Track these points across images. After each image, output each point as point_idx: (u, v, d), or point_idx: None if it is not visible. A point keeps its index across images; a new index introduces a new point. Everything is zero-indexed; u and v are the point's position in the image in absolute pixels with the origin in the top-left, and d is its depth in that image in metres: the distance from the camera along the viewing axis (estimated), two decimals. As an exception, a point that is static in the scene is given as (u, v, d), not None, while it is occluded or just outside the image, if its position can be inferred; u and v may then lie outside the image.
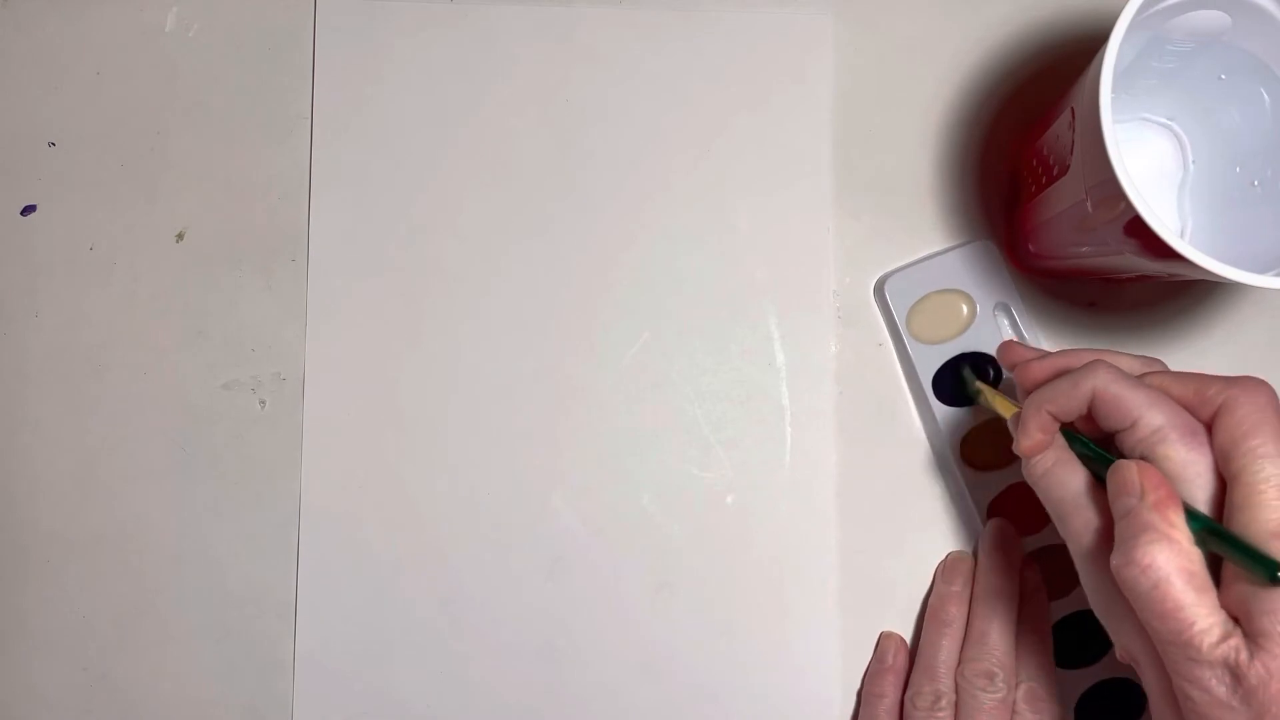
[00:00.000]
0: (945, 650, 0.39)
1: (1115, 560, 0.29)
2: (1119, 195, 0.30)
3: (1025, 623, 0.39)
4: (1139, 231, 0.31)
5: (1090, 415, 0.32)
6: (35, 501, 0.43)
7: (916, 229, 0.43)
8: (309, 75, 0.44)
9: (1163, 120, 0.40)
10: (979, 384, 0.40)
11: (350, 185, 0.43)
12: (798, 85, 0.43)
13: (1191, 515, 0.29)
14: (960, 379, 0.41)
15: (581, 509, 0.42)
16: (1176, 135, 0.40)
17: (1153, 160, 0.40)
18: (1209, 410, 0.30)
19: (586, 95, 0.43)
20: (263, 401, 0.43)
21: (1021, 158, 0.41)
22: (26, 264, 0.44)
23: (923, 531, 0.42)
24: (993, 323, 0.41)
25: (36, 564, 0.43)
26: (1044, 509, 0.41)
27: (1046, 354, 0.35)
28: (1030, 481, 0.33)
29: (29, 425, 0.43)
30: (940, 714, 0.38)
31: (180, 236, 0.44)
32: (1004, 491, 0.41)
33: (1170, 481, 0.29)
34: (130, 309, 0.43)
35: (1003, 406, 0.37)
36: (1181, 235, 0.38)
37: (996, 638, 0.39)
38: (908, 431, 0.42)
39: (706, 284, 0.43)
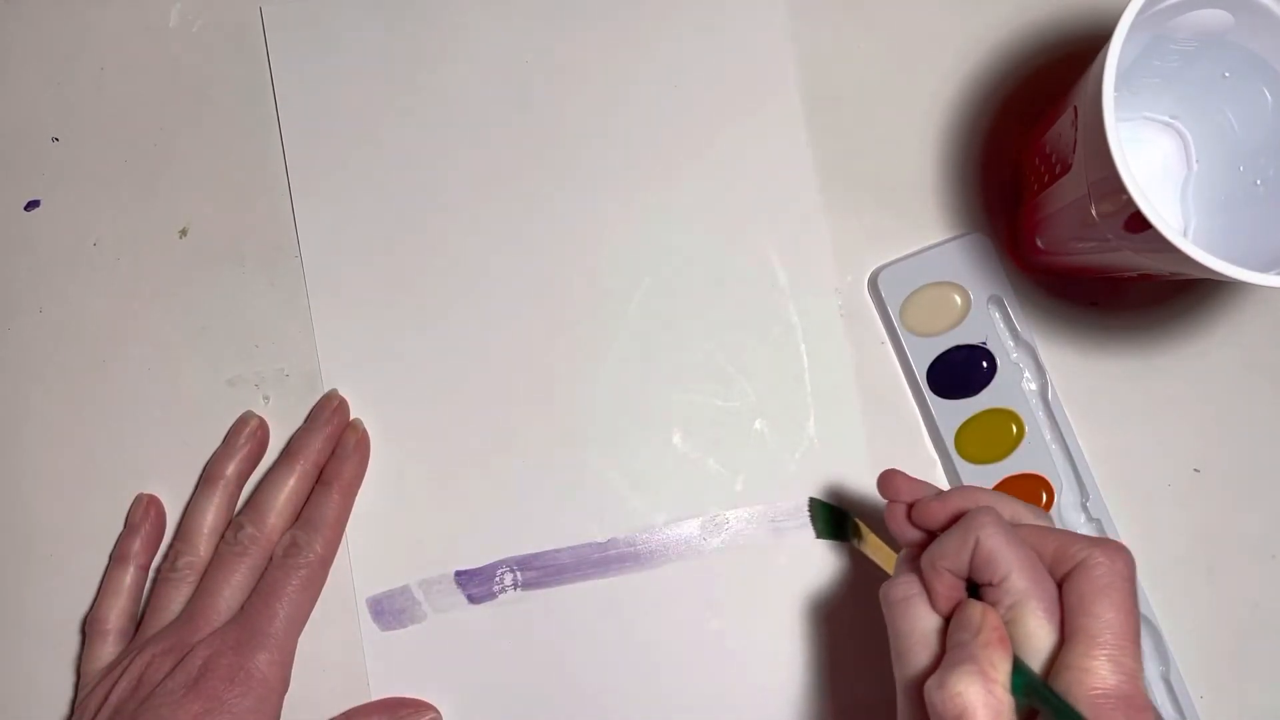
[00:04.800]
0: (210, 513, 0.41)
1: (930, 683, 0.29)
2: (1121, 192, 0.30)
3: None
4: (1141, 229, 0.31)
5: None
6: (38, 496, 0.43)
7: (918, 228, 0.43)
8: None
9: (1165, 119, 0.40)
10: (860, 527, 0.40)
11: (328, 181, 0.43)
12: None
13: (1018, 669, 0.29)
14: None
15: (617, 461, 0.42)
16: (1180, 134, 0.40)
17: (1156, 160, 0.41)
18: (1068, 566, 0.30)
19: (546, 53, 0.43)
20: (266, 397, 0.43)
21: (1024, 156, 0.41)
22: (30, 259, 0.44)
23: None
24: (987, 315, 0.41)
25: (39, 559, 0.43)
26: (1037, 506, 0.41)
27: (940, 492, 0.35)
28: (884, 604, 0.33)
29: (32, 420, 0.43)
30: (180, 573, 0.40)
31: (184, 232, 0.44)
32: (1000, 484, 0.41)
33: (1011, 640, 0.30)
34: (133, 305, 0.43)
35: (882, 557, 0.38)
36: (1184, 234, 0.38)
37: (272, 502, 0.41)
38: (909, 424, 0.42)
39: (696, 219, 0.43)
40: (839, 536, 0.41)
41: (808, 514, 0.42)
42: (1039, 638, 0.30)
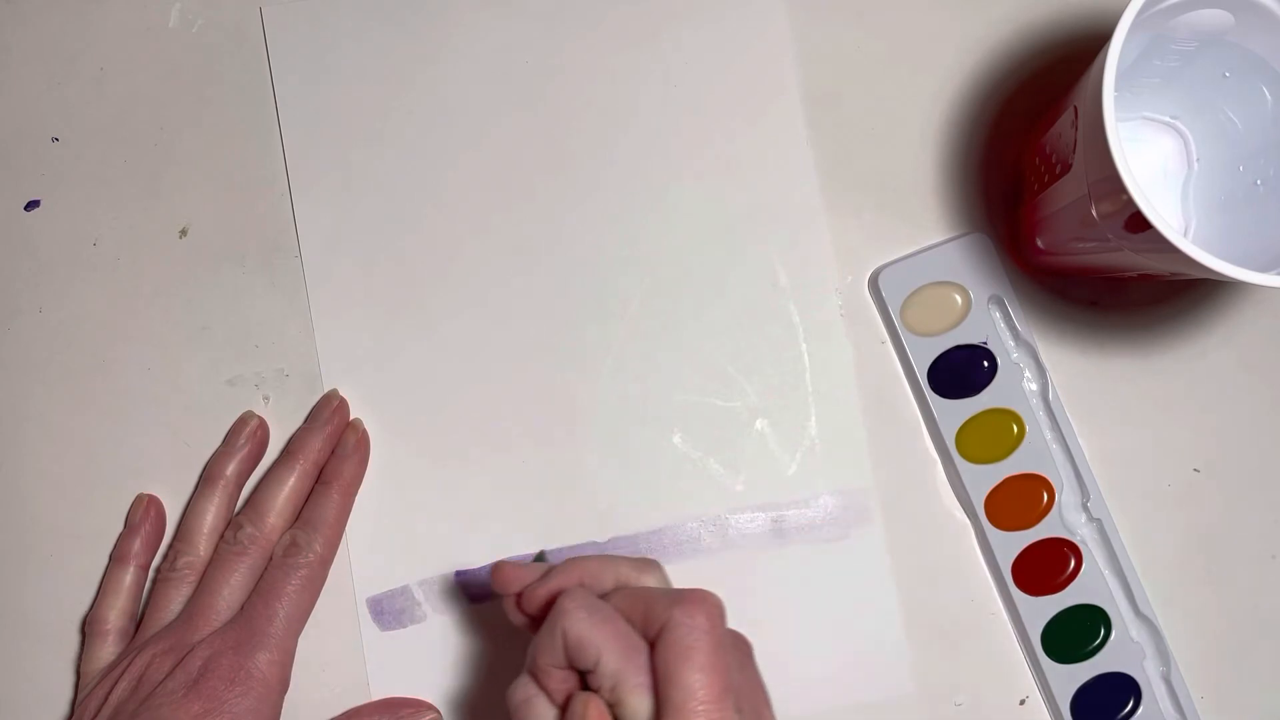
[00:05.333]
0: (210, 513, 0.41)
1: None
2: (1121, 192, 0.30)
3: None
4: (1141, 229, 0.31)
5: None
6: (38, 496, 0.43)
7: (918, 228, 0.43)
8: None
9: (1166, 119, 0.40)
10: None
11: (328, 180, 0.43)
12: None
13: None
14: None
15: (617, 461, 0.42)
16: (1180, 134, 0.40)
17: (1156, 159, 0.40)
18: (655, 630, 0.29)
19: (546, 53, 0.43)
20: (266, 397, 0.43)
21: (1024, 156, 0.41)
22: (30, 259, 0.44)
23: (922, 531, 0.42)
24: (987, 315, 0.41)
25: (39, 558, 0.43)
26: (1037, 505, 0.41)
27: (543, 575, 0.34)
28: (509, 707, 0.32)
29: (32, 420, 0.43)
30: (180, 573, 0.40)
31: (184, 232, 0.44)
32: (1000, 484, 0.41)
33: None
34: (134, 305, 0.43)
35: None
36: (1184, 234, 0.38)
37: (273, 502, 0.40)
38: (909, 424, 0.42)
39: (697, 220, 0.43)
40: None
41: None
42: (642, 717, 0.29)
